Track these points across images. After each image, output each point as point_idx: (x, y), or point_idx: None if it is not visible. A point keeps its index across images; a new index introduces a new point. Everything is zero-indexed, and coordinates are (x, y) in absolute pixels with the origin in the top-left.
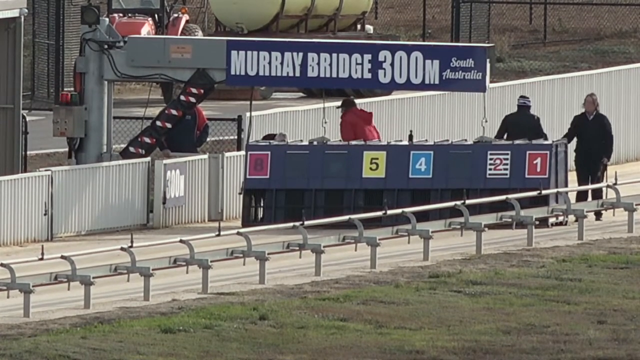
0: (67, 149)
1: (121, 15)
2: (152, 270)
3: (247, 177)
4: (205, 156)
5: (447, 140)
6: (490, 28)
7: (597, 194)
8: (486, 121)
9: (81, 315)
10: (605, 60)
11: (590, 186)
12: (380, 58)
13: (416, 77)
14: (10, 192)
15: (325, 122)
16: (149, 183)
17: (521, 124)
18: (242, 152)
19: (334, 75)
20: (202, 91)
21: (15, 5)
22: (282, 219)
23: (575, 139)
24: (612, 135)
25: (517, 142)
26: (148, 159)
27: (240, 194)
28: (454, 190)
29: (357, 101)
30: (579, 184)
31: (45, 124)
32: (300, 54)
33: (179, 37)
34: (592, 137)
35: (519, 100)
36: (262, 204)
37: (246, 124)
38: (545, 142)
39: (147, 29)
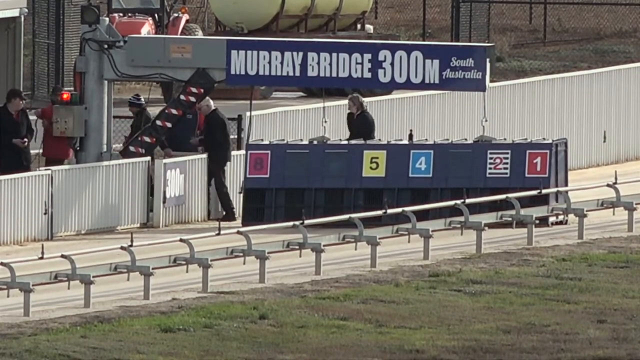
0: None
1: (121, 14)
2: (152, 269)
3: (247, 176)
4: (205, 155)
5: (447, 140)
6: (490, 28)
7: None
8: (486, 120)
9: (81, 314)
10: (605, 60)
11: (590, 185)
12: (380, 57)
13: (416, 76)
14: (10, 191)
15: (325, 122)
16: (149, 182)
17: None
18: (242, 151)
19: (334, 74)
20: (202, 91)
21: (15, 5)
22: (282, 218)
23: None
24: (373, 137)
25: (516, 141)
26: (148, 158)
27: (240, 193)
28: (453, 189)
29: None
30: None
31: None
32: (300, 54)
33: (179, 36)
34: (355, 135)
35: (131, 99)
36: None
37: (246, 124)
38: (545, 142)
39: (147, 29)
